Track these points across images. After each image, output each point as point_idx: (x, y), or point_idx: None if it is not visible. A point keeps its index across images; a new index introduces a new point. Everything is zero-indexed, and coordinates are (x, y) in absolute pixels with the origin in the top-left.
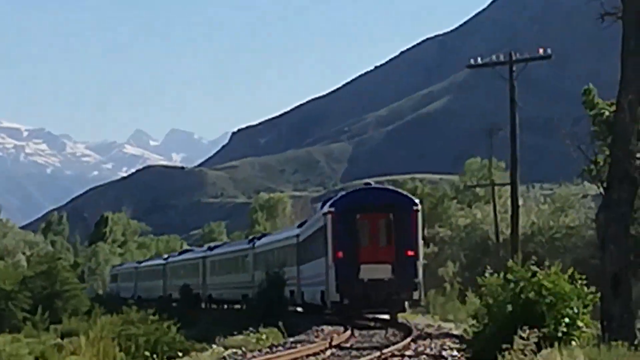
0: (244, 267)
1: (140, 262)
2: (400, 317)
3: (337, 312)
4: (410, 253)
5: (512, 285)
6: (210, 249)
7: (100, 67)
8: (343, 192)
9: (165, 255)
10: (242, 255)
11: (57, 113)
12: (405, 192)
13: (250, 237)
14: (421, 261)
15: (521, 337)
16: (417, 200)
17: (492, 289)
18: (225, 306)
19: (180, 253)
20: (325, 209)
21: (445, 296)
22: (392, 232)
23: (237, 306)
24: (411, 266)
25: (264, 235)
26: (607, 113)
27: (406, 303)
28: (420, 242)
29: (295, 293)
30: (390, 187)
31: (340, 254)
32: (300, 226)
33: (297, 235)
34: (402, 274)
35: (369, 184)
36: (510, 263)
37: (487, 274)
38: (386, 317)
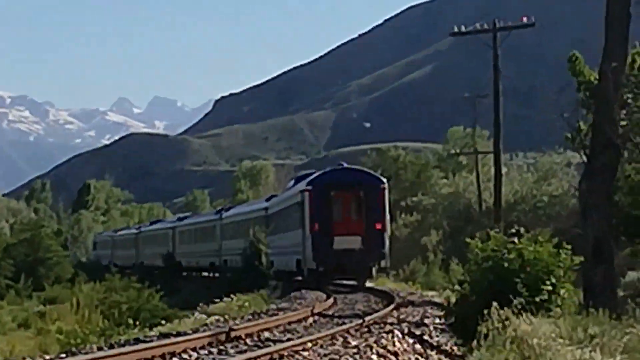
0: (212, 237)
1: (116, 231)
2: (383, 286)
3: (312, 278)
4: (378, 226)
5: (493, 253)
6: (179, 219)
7: (84, 34)
8: (318, 172)
9: (138, 226)
10: (211, 226)
11: (40, 80)
12: (373, 172)
13: (218, 209)
14: (388, 233)
15: (499, 305)
16: (384, 179)
17: (475, 256)
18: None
19: (152, 223)
20: (302, 186)
21: (428, 264)
22: (362, 208)
23: (205, 273)
24: (379, 238)
25: (231, 207)
26: (593, 80)
27: (373, 270)
28: (387, 216)
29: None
30: (360, 168)
31: (317, 226)
32: (268, 200)
33: (266, 209)
34: (371, 244)
35: (341, 164)
36: (492, 232)
37: (471, 242)
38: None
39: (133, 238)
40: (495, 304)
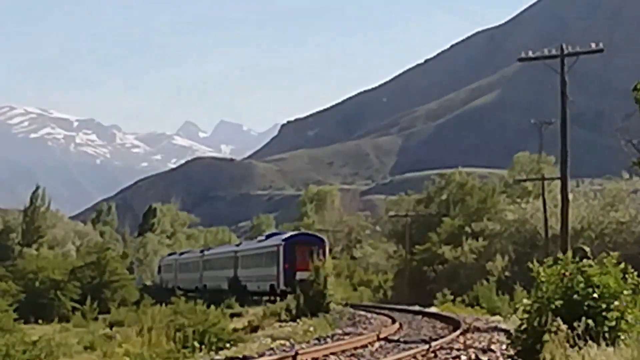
0: (196, 268)
1: (180, 254)
2: (448, 311)
3: (281, 296)
4: None
5: (561, 278)
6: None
7: (150, 59)
8: (287, 234)
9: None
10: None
11: (106, 104)
12: (319, 235)
13: (201, 249)
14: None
15: (560, 330)
16: (325, 239)
17: (542, 281)
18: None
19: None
20: (278, 241)
21: (493, 290)
22: (312, 256)
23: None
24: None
25: (209, 248)
26: None
27: None
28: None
29: (232, 286)
30: (312, 233)
31: (287, 265)
32: (238, 245)
33: (236, 252)
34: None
35: (298, 229)
36: (560, 255)
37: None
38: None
39: (197, 261)
40: (562, 330)
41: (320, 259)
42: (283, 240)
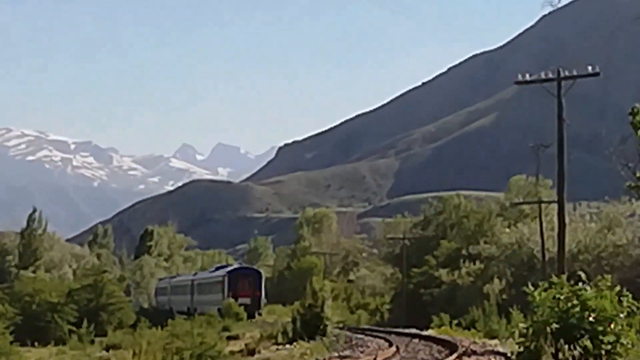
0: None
1: (172, 278)
2: (444, 334)
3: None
4: (258, 294)
5: (556, 302)
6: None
7: (148, 81)
8: (231, 267)
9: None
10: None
11: (104, 126)
12: (257, 268)
13: (194, 272)
14: (262, 296)
15: (558, 354)
16: (261, 271)
17: (538, 305)
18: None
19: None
20: (224, 273)
21: (489, 313)
22: (250, 286)
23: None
24: (258, 299)
25: (178, 275)
26: None
27: (256, 315)
28: (262, 289)
29: (190, 308)
30: (251, 267)
31: (231, 293)
32: (195, 274)
33: (192, 280)
34: (254, 302)
35: (241, 264)
36: (555, 279)
37: (529, 289)
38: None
39: (189, 285)
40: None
41: (257, 289)
42: (227, 272)
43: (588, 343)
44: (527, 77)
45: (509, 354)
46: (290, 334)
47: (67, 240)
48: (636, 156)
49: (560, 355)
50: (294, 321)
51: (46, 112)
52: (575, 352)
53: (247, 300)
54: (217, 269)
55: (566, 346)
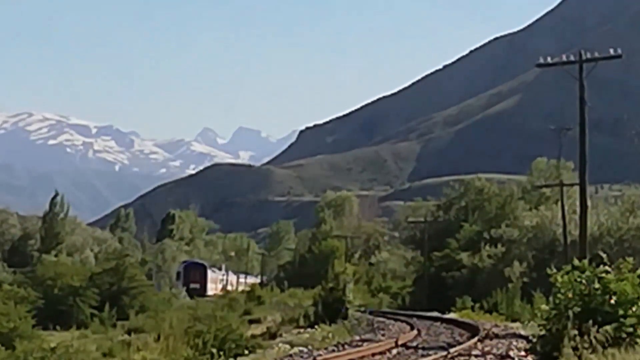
0: None
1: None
2: (466, 318)
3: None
4: (203, 281)
5: (578, 285)
6: None
7: (169, 65)
8: (186, 262)
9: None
10: None
11: (125, 110)
12: (203, 262)
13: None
14: (209, 284)
15: (580, 336)
16: (206, 264)
17: (561, 287)
18: None
19: None
20: (183, 266)
21: (518, 296)
22: (200, 275)
23: None
24: (205, 285)
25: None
26: None
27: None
28: (209, 277)
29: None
30: (199, 261)
31: (184, 280)
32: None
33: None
34: (202, 287)
35: (194, 259)
36: (576, 262)
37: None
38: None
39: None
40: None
41: (201, 278)
42: (185, 266)
43: (609, 327)
44: (549, 59)
45: (530, 337)
46: (312, 318)
47: (89, 224)
48: None
49: (586, 337)
50: (315, 304)
51: (67, 96)
52: (599, 335)
53: (197, 286)
54: (183, 262)
55: (594, 328)
